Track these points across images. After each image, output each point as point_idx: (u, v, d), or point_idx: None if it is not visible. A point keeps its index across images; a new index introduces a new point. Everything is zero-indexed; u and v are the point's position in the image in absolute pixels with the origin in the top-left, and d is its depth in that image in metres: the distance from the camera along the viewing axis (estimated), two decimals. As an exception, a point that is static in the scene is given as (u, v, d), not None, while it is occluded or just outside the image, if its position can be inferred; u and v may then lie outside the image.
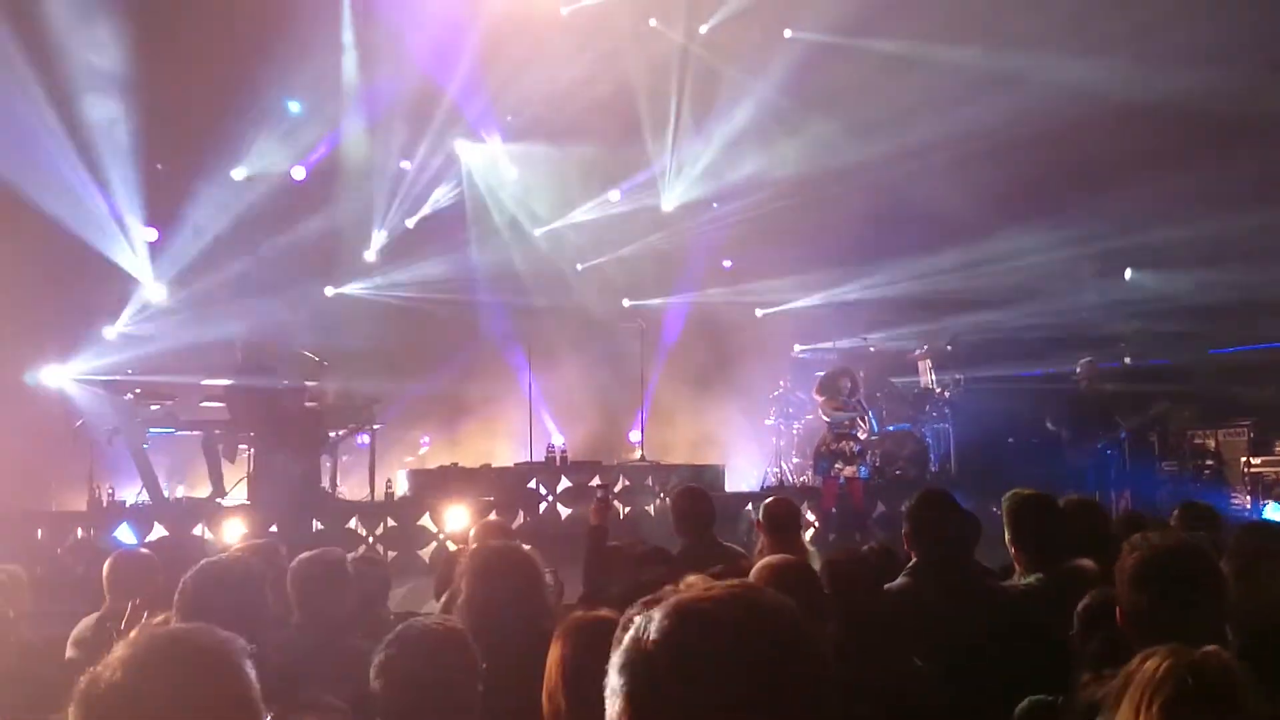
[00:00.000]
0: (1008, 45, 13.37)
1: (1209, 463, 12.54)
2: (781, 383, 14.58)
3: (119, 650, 1.91)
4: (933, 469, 12.97)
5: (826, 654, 1.49)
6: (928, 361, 14.10)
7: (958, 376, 13.45)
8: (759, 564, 3.74)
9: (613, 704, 1.44)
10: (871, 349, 14.88)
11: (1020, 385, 13.28)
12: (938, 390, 13.60)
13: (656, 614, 1.45)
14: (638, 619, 1.47)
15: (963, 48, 13.67)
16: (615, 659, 1.46)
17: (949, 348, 13.91)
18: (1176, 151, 12.95)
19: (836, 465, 11.58)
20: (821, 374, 12.24)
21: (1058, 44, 13.26)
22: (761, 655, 1.40)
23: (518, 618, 3.65)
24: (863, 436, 11.79)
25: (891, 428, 13.59)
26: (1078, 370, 12.11)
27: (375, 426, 12.91)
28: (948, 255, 14.48)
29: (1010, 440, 13.10)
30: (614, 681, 1.44)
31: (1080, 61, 13.07)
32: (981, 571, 4.79)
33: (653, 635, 1.42)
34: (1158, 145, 13.05)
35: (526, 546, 4.14)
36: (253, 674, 1.99)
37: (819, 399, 11.98)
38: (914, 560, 4.69)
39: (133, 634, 1.99)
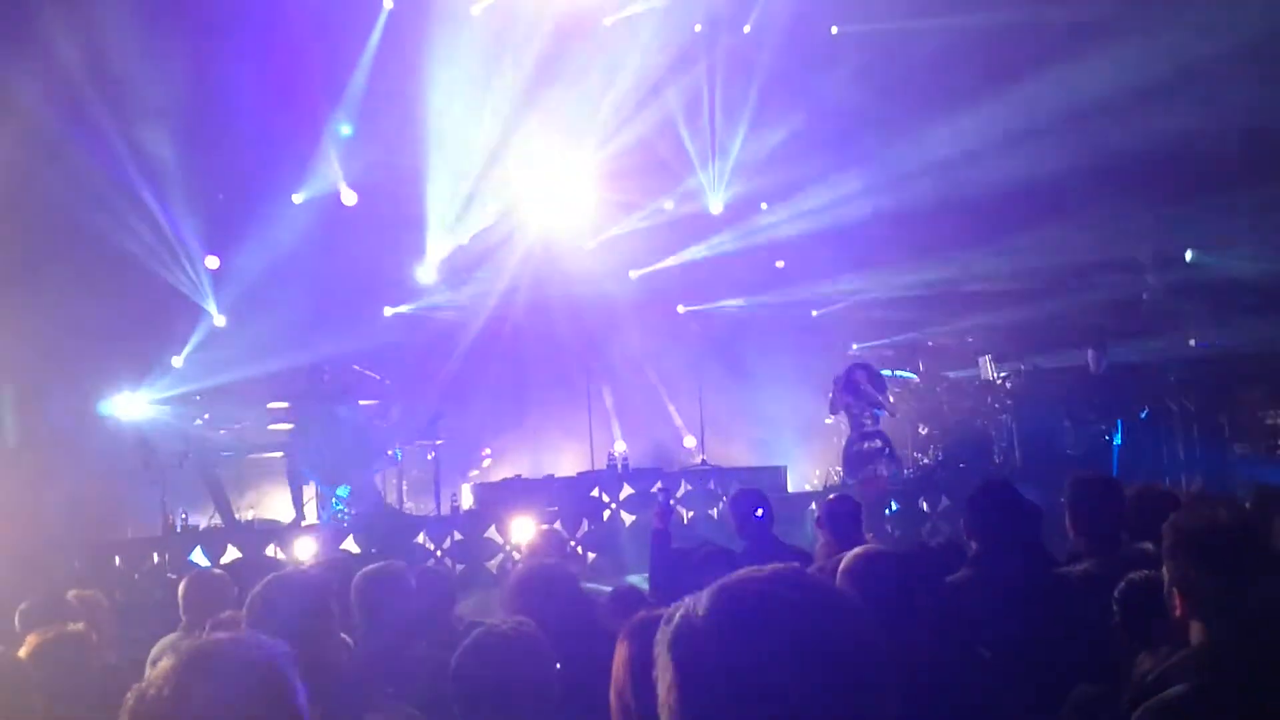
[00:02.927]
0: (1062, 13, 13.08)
1: (1280, 443, 12.30)
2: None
3: (163, 664, 1.94)
4: (996, 460, 12.83)
5: (873, 630, 1.51)
6: (987, 354, 13.95)
7: (1019, 366, 13.29)
8: (851, 553, 3.69)
9: (663, 681, 1.48)
10: (929, 343, 14.78)
11: (1082, 372, 13.08)
12: (998, 381, 13.46)
13: (704, 594, 1.50)
14: (686, 600, 1.51)
15: (1024, 12, 13.34)
16: (664, 638, 1.50)
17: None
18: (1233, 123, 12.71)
19: (868, 467, 11.42)
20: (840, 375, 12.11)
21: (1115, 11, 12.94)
22: (806, 627, 1.44)
23: (567, 629, 3.68)
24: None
25: (954, 421, 13.50)
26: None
27: (439, 442, 13.08)
28: (1005, 243, 14.29)
29: (1074, 426, 12.91)
30: (663, 659, 1.48)
31: (1135, 30, 12.75)
32: (1045, 558, 4.74)
33: (701, 612, 1.47)
34: (1212, 120, 12.79)
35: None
36: (297, 680, 2.01)
37: (835, 391, 11.83)
38: (974, 550, 4.68)
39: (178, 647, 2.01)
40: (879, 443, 11.44)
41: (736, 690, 1.42)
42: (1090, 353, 12.24)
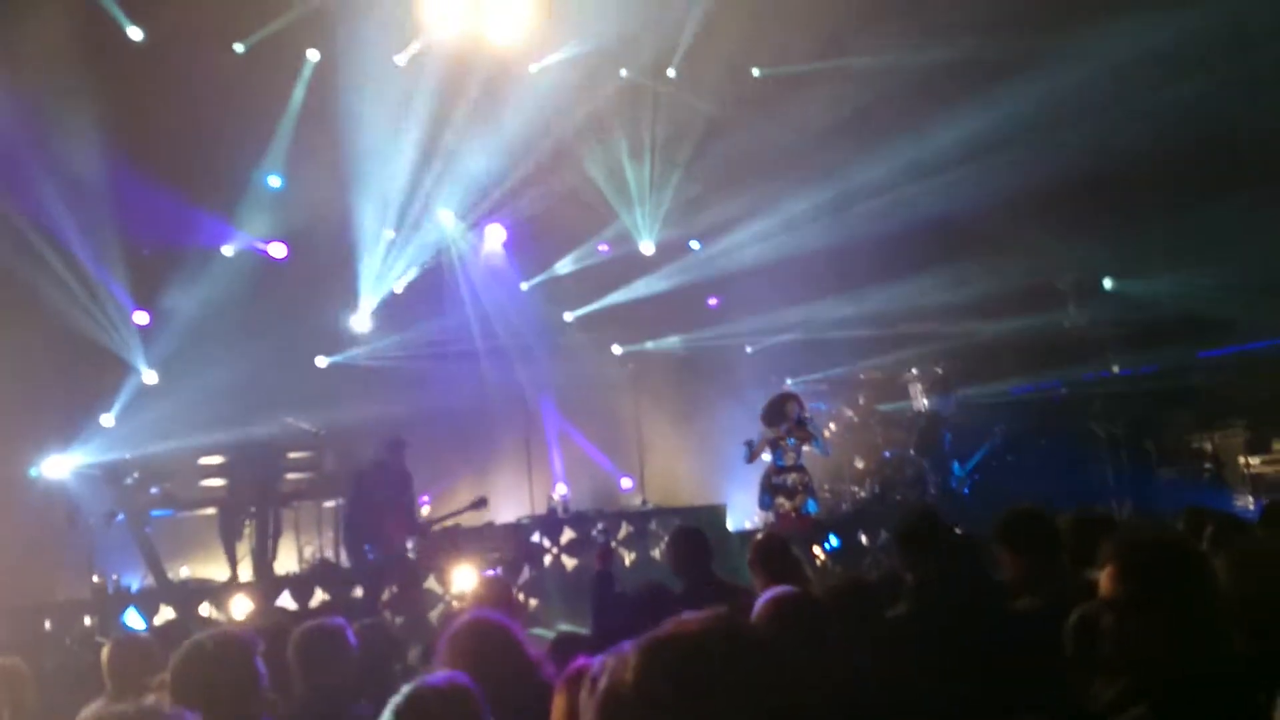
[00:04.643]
0: (981, 47, 13.34)
1: (1207, 466, 12.55)
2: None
3: None
4: (932, 492, 12.97)
5: (808, 680, 1.51)
6: (918, 385, 14.15)
7: (950, 397, 13.50)
8: (762, 598, 3.73)
9: None
10: (862, 376, 14.95)
11: (1013, 401, 13.33)
12: (930, 412, 13.65)
13: (631, 654, 1.47)
14: (610, 660, 1.50)
15: (939, 50, 13.61)
16: (592, 701, 1.48)
17: (939, 370, 13.95)
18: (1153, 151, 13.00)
19: (779, 500, 11.20)
20: (765, 403, 11.84)
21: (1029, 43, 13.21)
22: (737, 683, 1.42)
23: (504, 683, 3.65)
24: (806, 452, 11.42)
25: (888, 454, 13.65)
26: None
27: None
28: (929, 276, 14.50)
29: (1009, 458, 13.12)
30: None
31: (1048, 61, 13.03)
32: (984, 588, 4.74)
33: (630, 672, 1.45)
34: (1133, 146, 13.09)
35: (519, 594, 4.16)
36: None
37: (763, 428, 11.58)
38: (910, 583, 4.72)
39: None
40: (803, 476, 11.30)
41: None
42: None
